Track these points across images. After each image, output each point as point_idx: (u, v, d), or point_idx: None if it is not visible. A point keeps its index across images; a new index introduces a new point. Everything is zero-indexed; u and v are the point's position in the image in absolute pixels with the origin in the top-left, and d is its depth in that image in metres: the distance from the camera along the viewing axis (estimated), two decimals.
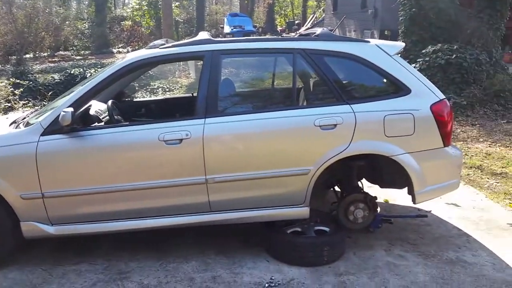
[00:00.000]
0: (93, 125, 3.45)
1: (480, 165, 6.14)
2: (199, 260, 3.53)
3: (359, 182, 3.89)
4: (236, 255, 3.60)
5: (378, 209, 3.81)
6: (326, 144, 3.35)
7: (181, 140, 3.26)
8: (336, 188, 4.09)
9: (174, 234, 3.80)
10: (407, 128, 3.40)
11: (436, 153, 3.49)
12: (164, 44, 3.61)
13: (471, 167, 6.07)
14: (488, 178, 5.64)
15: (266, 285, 3.17)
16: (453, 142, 7.13)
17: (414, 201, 3.52)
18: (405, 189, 3.66)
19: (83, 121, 3.36)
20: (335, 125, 3.33)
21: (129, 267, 3.45)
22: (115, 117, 3.73)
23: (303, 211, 3.44)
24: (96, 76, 3.52)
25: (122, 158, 3.31)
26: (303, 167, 3.35)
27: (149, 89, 9.89)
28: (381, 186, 3.91)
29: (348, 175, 3.72)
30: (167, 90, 10.05)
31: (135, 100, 4.95)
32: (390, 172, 3.59)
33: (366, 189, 3.91)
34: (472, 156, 6.59)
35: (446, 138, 3.51)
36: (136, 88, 9.37)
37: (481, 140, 7.45)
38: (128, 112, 4.20)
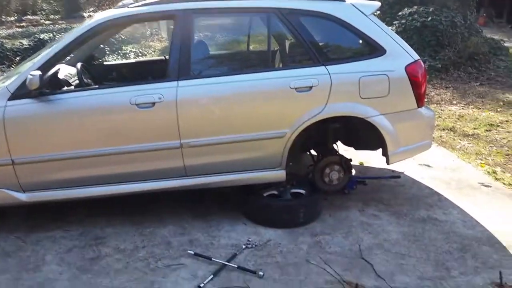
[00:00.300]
0: (63, 89, 3.34)
1: (453, 127, 6.25)
2: (176, 225, 3.53)
3: (334, 145, 3.91)
4: (213, 218, 3.61)
5: (353, 171, 3.86)
6: (302, 106, 3.33)
7: (153, 103, 3.18)
8: (312, 152, 4.11)
9: (150, 199, 3.78)
10: (382, 89, 3.40)
11: (410, 114, 3.52)
12: (133, 4, 3.48)
13: (444, 129, 6.17)
14: (460, 140, 5.75)
15: (243, 246, 3.20)
16: (427, 105, 7.23)
17: (388, 162, 3.56)
18: (379, 151, 3.69)
19: (51, 85, 3.25)
20: (311, 87, 3.30)
21: (104, 232, 3.43)
22: (85, 80, 3.61)
23: (279, 174, 3.45)
24: (64, 38, 3.38)
25: (93, 123, 3.22)
26: (279, 130, 3.33)
27: (121, 54, 9.64)
28: (356, 148, 3.94)
29: (323, 138, 3.73)
30: (139, 54, 9.81)
31: (106, 63, 4.79)
32: (365, 134, 3.61)
33: (341, 152, 3.94)
34: (445, 118, 6.70)
35: (420, 99, 3.53)
36: (107, 52, 9.11)
37: (455, 102, 7.57)
38: (99, 76, 4.08)
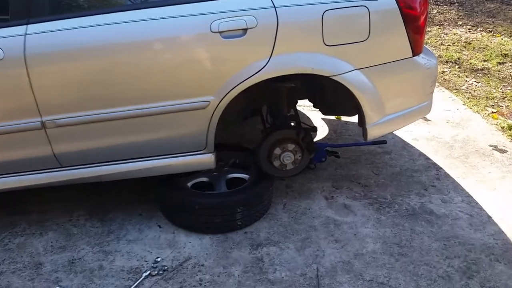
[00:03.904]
0: None
1: (458, 58, 5.04)
2: (61, 230, 2.47)
3: (291, 110, 2.73)
4: (116, 217, 2.55)
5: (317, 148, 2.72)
6: (232, 61, 2.13)
7: None
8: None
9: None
10: (358, 30, 2.18)
11: (401, 66, 2.33)
12: None
13: (447, 62, 4.97)
14: (466, 76, 4.59)
15: (145, 274, 2.16)
16: (427, 28, 5.91)
17: (365, 137, 2.43)
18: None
19: None
20: (245, 29, 2.07)
21: None
22: None
23: (204, 160, 2.33)
24: None
25: None
26: (198, 98, 2.15)
27: None
28: (324, 113, 2.78)
29: (275, 100, 2.57)
30: None
31: None
32: (334, 96, 2.45)
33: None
34: (449, 45, 5.45)
35: (417, 43, 2.32)
36: None
37: (460, 23, 6.24)
38: None
